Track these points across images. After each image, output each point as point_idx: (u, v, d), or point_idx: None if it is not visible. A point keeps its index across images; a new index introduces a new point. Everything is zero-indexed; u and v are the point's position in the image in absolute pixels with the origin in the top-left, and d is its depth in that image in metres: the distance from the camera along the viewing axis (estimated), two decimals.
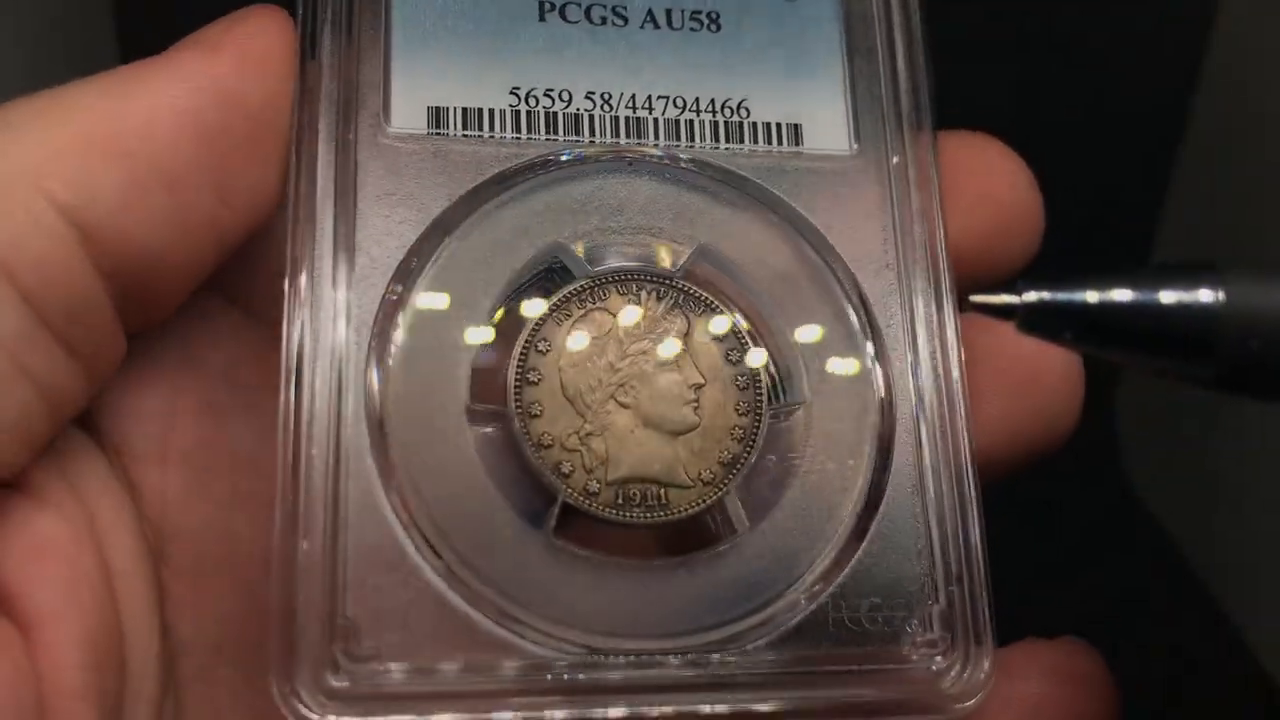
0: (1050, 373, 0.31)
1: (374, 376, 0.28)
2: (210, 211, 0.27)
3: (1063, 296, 0.23)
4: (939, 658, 0.29)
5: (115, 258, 0.26)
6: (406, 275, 0.29)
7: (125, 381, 0.29)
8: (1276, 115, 0.45)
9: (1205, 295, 0.22)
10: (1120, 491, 0.48)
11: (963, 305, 0.31)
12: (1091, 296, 0.22)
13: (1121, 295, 0.22)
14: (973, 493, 0.30)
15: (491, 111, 0.31)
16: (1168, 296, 0.22)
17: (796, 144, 0.32)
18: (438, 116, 0.30)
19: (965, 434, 0.30)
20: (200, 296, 0.30)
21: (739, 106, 0.32)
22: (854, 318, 0.31)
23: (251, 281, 0.30)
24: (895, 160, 0.32)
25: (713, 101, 0.32)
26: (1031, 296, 0.23)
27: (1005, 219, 0.32)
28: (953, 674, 0.29)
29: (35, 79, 0.28)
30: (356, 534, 0.27)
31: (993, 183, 0.33)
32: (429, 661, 0.27)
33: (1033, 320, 0.23)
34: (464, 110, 0.30)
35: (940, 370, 0.30)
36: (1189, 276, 0.22)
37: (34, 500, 0.27)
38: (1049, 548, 0.45)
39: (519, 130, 0.31)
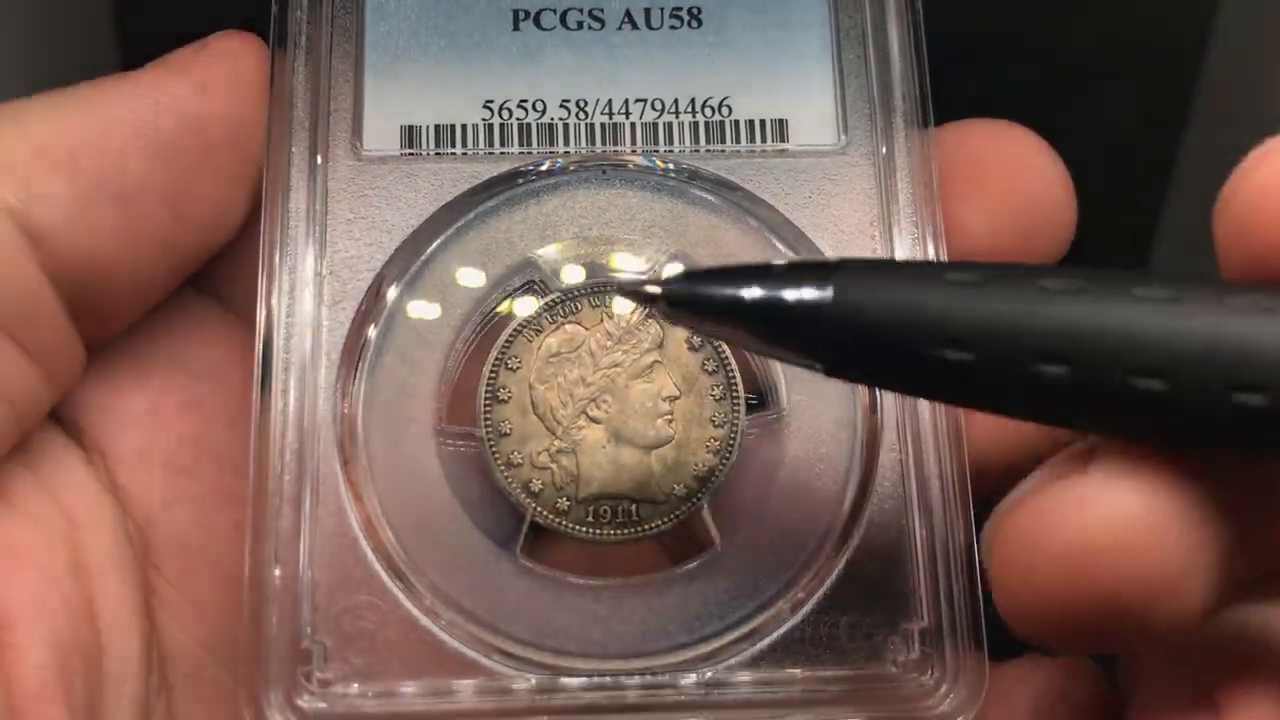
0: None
1: (343, 399, 0.29)
2: (163, 227, 0.28)
3: (699, 289, 0.24)
4: (923, 676, 0.28)
5: (64, 265, 0.27)
6: (377, 298, 0.29)
7: (110, 384, 0.30)
8: (1277, 115, 0.42)
9: (814, 293, 0.23)
10: None
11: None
12: (722, 290, 0.24)
13: (749, 292, 0.24)
14: (965, 503, 0.28)
15: (464, 127, 0.30)
16: (787, 294, 0.23)
17: (782, 140, 0.31)
18: (410, 136, 0.30)
19: (960, 439, 0.29)
20: (187, 297, 0.31)
21: (720, 105, 0.31)
22: None
23: (240, 282, 0.30)
24: (885, 152, 0.31)
25: (692, 101, 0.31)
26: (673, 286, 0.25)
27: (1036, 215, 0.30)
28: (940, 692, 0.28)
29: (36, 77, 0.29)
30: (325, 557, 0.28)
31: (1023, 176, 0.31)
32: (398, 684, 0.27)
33: (674, 306, 0.25)
34: (436, 128, 0.30)
35: None
36: (803, 276, 0.24)
37: (5, 504, 0.27)
38: None
39: (492, 144, 0.30)
